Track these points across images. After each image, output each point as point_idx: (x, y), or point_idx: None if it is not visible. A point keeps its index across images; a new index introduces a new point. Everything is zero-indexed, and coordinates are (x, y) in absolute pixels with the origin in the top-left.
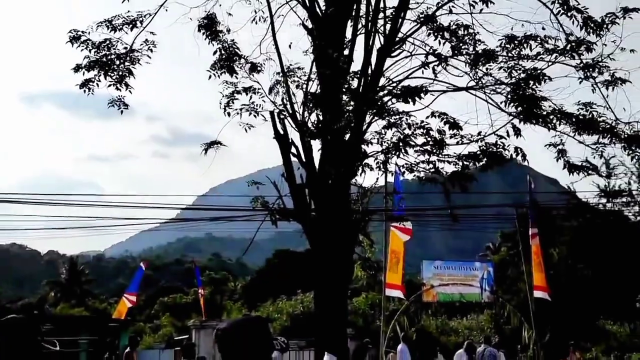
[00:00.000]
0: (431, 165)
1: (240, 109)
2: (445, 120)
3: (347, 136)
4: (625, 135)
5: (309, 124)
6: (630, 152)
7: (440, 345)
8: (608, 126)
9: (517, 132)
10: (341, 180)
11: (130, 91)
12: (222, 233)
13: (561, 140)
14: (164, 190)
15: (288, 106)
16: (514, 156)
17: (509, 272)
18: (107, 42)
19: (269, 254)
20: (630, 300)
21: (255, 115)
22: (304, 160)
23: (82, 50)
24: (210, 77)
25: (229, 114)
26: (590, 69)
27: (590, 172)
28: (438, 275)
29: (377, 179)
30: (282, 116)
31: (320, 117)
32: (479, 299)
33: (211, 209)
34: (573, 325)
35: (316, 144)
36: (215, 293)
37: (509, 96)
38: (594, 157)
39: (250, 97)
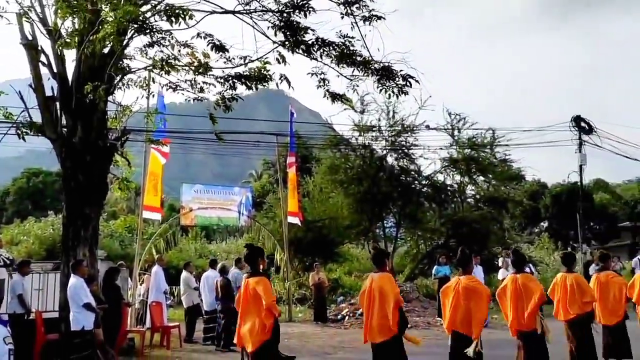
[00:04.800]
0: (196, 86)
1: None
2: (211, 42)
3: (107, 49)
4: (377, 70)
5: (62, 32)
6: (380, 86)
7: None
8: (364, 60)
9: (283, 59)
10: (97, 95)
11: None
12: None
13: (322, 71)
14: None
15: (38, 9)
16: (279, 83)
17: (267, 199)
18: None
19: (17, 173)
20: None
21: None
22: (55, 71)
23: None
24: None
25: None
26: (351, 5)
27: (347, 102)
28: (198, 199)
29: (138, 97)
30: (29, 20)
31: (76, 25)
32: (236, 223)
33: None
34: (322, 248)
35: (71, 54)
36: None
37: (275, 23)
38: (349, 91)
39: None
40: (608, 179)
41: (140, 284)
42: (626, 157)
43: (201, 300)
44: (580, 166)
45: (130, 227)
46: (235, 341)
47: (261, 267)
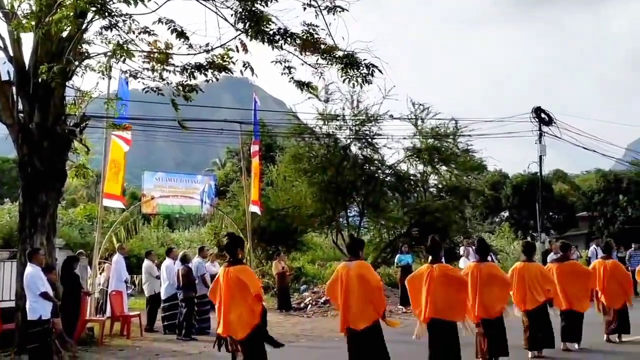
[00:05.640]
0: (157, 74)
1: None
2: (172, 28)
3: (65, 33)
4: (342, 58)
5: (19, 13)
6: (344, 75)
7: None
8: (328, 47)
9: (245, 47)
10: (55, 80)
11: None
12: None
13: (286, 59)
14: None
15: None
16: (242, 70)
17: (231, 187)
18: None
19: None
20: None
21: None
22: (11, 54)
23: None
24: None
25: None
26: None
27: (312, 90)
28: (159, 187)
29: (98, 82)
30: None
31: (33, 7)
32: (199, 212)
33: None
34: (285, 237)
35: (28, 38)
36: None
37: (238, 11)
38: (315, 79)
39: None
40: (567, 170)
41: (101, 273)
42: (584, 148)
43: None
44: (540, 157)
45: (91, 216)
46: (219, 331)
47: (240, 256)
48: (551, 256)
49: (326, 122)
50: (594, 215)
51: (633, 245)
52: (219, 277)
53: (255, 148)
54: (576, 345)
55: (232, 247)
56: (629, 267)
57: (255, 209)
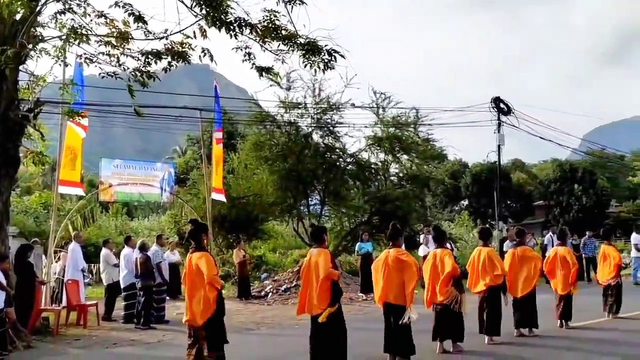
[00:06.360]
0: (114, 59)
1: None
2: (130, 12)
3: (19, 16)
4: (303, 45)
5: None
6: (306, 61)
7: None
8: (289, 34)
9: (204, 33)
10: (8, 64)
11: None
12: None
13: (247, 45)
14: None
15: None
16: (201, 57)
17: (191, 175)
18: None
19: None
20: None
21: None
22: None
23: None
24: None
25: None
26: None
27: (274, 76)
28: (117, 174)
29: (52, 67)
30: None
31: None
32: (158, 200)
33: None
34: (246, 225)
35: None
36: None
37: None
38: (276, 66)
39: None
40: (525, 159)
41: (56, 262)
42: (542, 138)
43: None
44: (499, 146)
45: (46, 204)
46: (184, 320)
47: (205, 243)
48: (507, 244)
49: (288, 110)
50: (550, 204)
51: (587, 233)
52: (186, 264)
53: (218, 135)
54: (534, 330)
55: (196, 234)
56: (583, 255)
57: (220, 196)
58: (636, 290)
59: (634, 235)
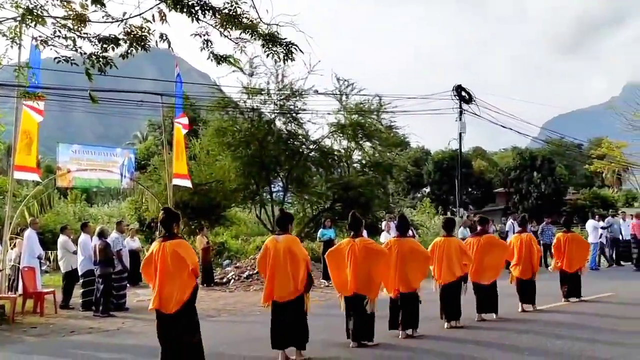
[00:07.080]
0: (70, 42)
1: None
2: None
3: None
4: (264, 35)
5: None
6: (267, 49)
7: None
8: (251, 22)
9: (163, 17)
10: None
11: None
12: None
13: (207, 32)
14: None
15: None
16: (157, 42)
17: (152, 161)
18: None
19: None
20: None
21: None
22: None
23: None
24: None
25: None
26: None
27: (233, 63)
28: (76, 160)
29: (7, 49)
30: None
31: None
32: (118, 186)
33: None
34: (209, 212)
35: None
36: None
37: None
38: (237, 53)
39: None
40: (486, 147)
41: (12, 249)
42: (502, 126)
43: None
44: (460, 134)
45: (2, 189)
46: (152, 306)
47: (176, 230)
48: (462, 230)
49: (250, 96)
50: (510, 191)
51: (545, 220)
52: (152, 252)
53: (184, 121)
54: (494, 315)
55: (168, 221)
56: (541, 241)
57: (185, 182)
58: (593, 274)
59: (589, 222)
